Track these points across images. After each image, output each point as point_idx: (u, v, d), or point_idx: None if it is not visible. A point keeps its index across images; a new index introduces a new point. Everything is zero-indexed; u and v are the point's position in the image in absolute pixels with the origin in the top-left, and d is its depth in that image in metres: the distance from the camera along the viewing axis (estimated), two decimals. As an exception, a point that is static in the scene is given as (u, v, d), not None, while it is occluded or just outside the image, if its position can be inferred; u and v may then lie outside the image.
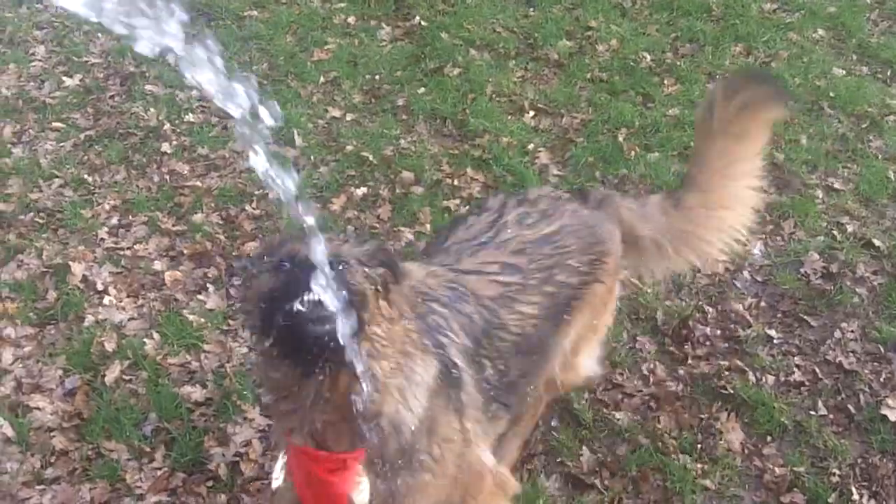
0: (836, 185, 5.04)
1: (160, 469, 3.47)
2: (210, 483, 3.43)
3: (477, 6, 6.63)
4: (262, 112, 1.78)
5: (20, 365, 3.89)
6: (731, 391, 3.80)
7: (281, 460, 2.49)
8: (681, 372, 3.93)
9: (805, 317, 4.21)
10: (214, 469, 3.46)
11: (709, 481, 3.47)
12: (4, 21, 6.33)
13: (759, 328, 4.14)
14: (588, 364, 3.26)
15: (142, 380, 3.81)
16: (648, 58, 6.12)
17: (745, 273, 4.45)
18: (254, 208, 4.77)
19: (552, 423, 3.68)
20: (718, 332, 4.13)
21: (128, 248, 4.52)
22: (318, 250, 1.99)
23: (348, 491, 2.33)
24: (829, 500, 3.40)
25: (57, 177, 4.97)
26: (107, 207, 4.77)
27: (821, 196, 4.96)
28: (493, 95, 5.74)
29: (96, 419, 3.63)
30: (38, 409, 3.69)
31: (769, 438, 3.65)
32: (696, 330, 4.11)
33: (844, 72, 6.05)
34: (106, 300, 4.19)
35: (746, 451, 3.61)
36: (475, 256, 2.81)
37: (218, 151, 5.18)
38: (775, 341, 4.09)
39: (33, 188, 4.89)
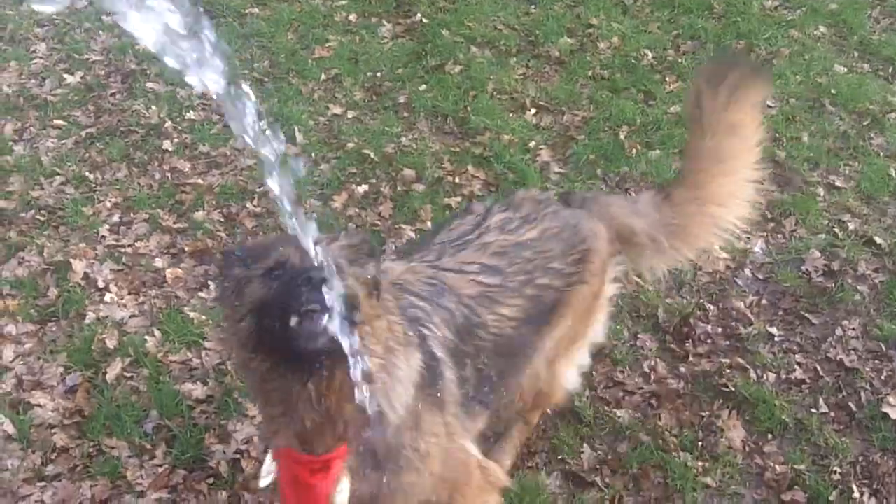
0: (838, 183, 5.03)
1: (161, 466, 3.47)
2: (211, 480, 3.43)
3: (478, 3, 6.63)
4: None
5: (21, 362, 3.90)
6: (733, 389, 3.80)
7: (269, 460, 2.49)
8: (682, 369, 3.93)
9: (806, 314, 4.21)
10: (215, 466, 3.46)
11: (710, 479, 3.47)
12: (5, 18, 6.33)
13: (761, 326, 4.14)
14: (570, 375, 3.26)
15: (143, 377, 3.82)
16: (650, 55, 6.12)
17: (747, 271, 4.45)
18: (255, 206, 4.77)
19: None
20: (719, 329, 4.13)
21: (129, 246, 4.52)
22: (313, 260, 1.99)
23: (330, 492, 2.33)
24: (830, 498, 3.41)
25: (58, 174, 4.97)
26: (108, 205, 4.77)
27: (822, 193, 4.96)
28: (495, 93, 5.74)
29: (97, 416, 3.63)
30: (39, 406, 3.69)
31: (770, 436, 3.66)
32: (698, 327, 4.11)
33: (846, 69, 6.04)
34: (107, 297, 4.20)
35: (747, 448, 3.61)
36: (455, 256, 2.83)
37: (219, 149, 5.18)
38: (776, 339, 4.09)
39: (34, 185, 4.89)
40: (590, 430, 3.66)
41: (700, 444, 3.61)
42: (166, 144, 5.20)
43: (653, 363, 3.95)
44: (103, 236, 4.57)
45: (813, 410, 3.76)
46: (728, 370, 3.90)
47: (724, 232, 3.24)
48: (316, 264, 2.00)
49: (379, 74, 5.90)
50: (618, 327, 4.08)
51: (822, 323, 4.18)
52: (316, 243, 1.98)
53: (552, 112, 5.61)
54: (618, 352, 3.97)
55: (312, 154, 5.15)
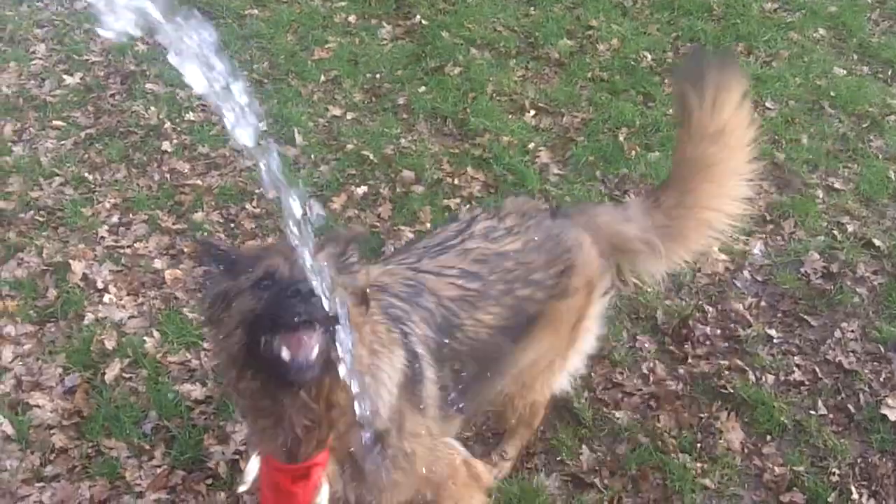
0: (837, 185, 5.04)
1: (160, 467, 3.47)
2: (209, 481, 3.43)
3: (478, 5, 6.63)
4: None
5: (20, 363, 3.90)
6: (731, 390, 3.80)
7: (252, 464, 2.49)
8: (681, 371, 3.93)
9: (805, 316, 4.21)
10: (214, 467, 3.46)
11: (708, 480, 3.47)
12: (5, 19, 6.33)
13: (760, 328, 4.14)
14: (561, 384, 3.28)
15: (142, 378, 3.82)
16: (649, 57, 6.12)
17: (746, 272, 4.45)
18: (254, 207, 4.77)
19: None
20: (718, 331, 4.13)
21: (128, 247, 4.52)
22: (302, 270, 2.00)
23: (311, 500, 2.34)
24: (829, 500, 3.40)
25: (57, 175, 4.97)
26: (107, 206, 4.77)
27: (821, 196, 4.96)
28: (494, 94, 5.74)
29: (96, 417, 3.63)
30: (37, 406, 3.69)
31: (769, 438, 3.65)
32: (696, 329, 4.11)
33: (845, 71, 6.05)
34: (106, 298, 4.20)
35: (746, 450, 3.61)
36: (435, 259, 2.83)
37: (218, 150, 5.18)
38: (775, 341, 4.09)
39: (34, 186, 4.89)
40: (589, 431, 3.65)
41: (699, 445, 3.61)
42: (165, 145, 5.20)
43: (652, 365, 3.95)
44: (102, 237, 4.57)
45: (812, 412, 3.76)
46: (727, 372, 3.90)
47: (719, 233, 3.24)
48: (305, 274, 2.00)
49: (378, 76, 5.90)
50: (617, 329, 4.08)
51: (821, 325, 4.18)
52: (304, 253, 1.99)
53: (551, 114, 5.62)
54: (617, 353, 3.97)
55: (312, 155, 5.15)
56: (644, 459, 3.54)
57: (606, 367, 3.93)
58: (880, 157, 5.28)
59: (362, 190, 4.90)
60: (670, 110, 5.56)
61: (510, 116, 5.56)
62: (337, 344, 2.10)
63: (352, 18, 6.49)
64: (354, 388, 2.22)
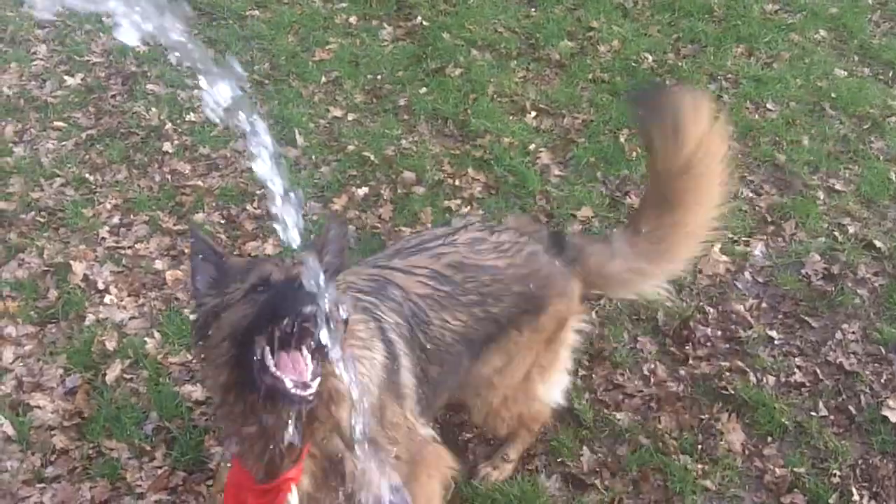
0: (838, 187, 5.03)
1: (161, 468, 3.47)
2: (210, 482, 3.42)
3: (479, 6, 6.63)
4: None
5: (21, 363, 3.90)
6: (732, 392, 3.80)
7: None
8: (682, 372, 3.93)
9: (806, 318, 4.21)
10: (215, 468, 3.45)
11: (709, 482, 3.47)
12: (6, 20, 6.33)
13: (760, 329, 4.13)
14: (545, 402, 3.29)
15: (142, 379, 3.82)
16: (650, 58, 6.12)
17: (747, 274, 4.45)
18: (255, 208, 4.77)
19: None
20: (719, 332, 4.13)
21: (129, 248, 4.52)
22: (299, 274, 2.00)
23: None
24: (830, 501, 3.40)
25: (58, 176, 4.97)
26: (108, 206, 4.77)
27: (822, 197, 4.96)
28: (495, 96, 5.74)
29: (97, 418, 3.63)
30: (38, 407, 3.69)
31: (770, 439, 3.65)
32: (697, 330, 4.11)
33: (846, 73, 6.05)
34: (107, 299, 4.20)
35: (747, 451, 3.61)
36: (407, 259, 2.85)
37: (219, 151, 5.19)
38: (776, 342, 4.09)
39: (35, 187, 4.89)
40: (589, 432, 3.65)
41: (700, 447, 3.61)
42: (166, 146, 5.20)
43: (652, 366, 3.95)
44: (103, 238, 4.57)
45: (813, 413, 3.76)
46: (728, 373, 3.90)
47: (704, 238, 3.25)
48: (302, 278, 2.00)
49: (379, 77, 5.90)
50: (617, 330, 4.08)
51: (822, 326, 4.18)
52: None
53: (552, 115, 5.62)
54: (618, 354, 3.97)
55: (313, 156, 5.15)
56: (645, 461, 3.53)
57: (607, 368, 3.93)
58: (881, 158, 5.27)
59: (363, 191, 4.90)
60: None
61: (511, 118, 5.56)
62: (332, 360, 2.10)
63: (353, 20, 6.49)
64: (346, 398, 2.23)
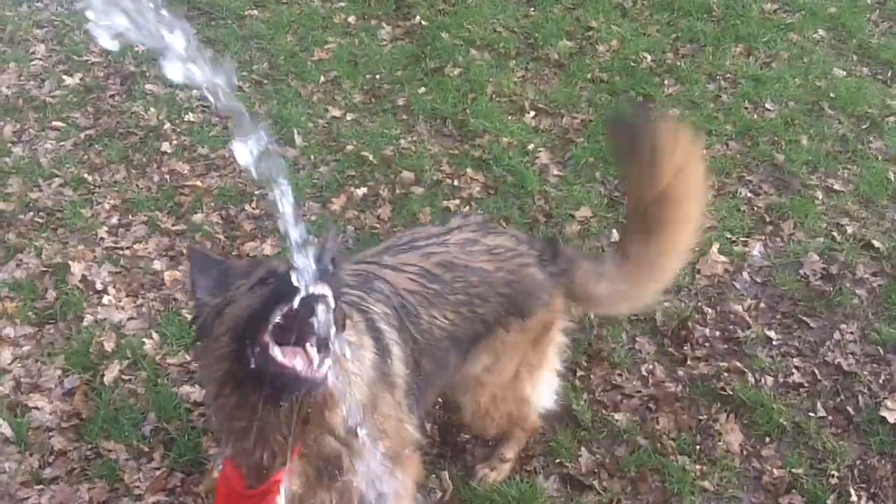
0: (836, 186, 5.03)
1: (159, 469, 3.47)
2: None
3: (477, 6, 6.63)
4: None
5: (19, 364, 3.90)
6: (730, 392, 3.80)
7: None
8: (680, 373, 3.93)
9: (804, 318, 4.21)
10: (208, 469, 3.45)
11: (707, 482, 3.47)
12: (5, 20, 6.33)
13: (759, 329, 4.13)
14: (537, 403, 3.30)
15: (141, 380, 3.82)
16: (649, 58, 6.12)
17: (745, 274, 4.45)
18: (253, 208, 4.77)
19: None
20: (717, 333, 4.13)
21: (127, 248, 4.52)
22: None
23: None
24: (828, 502, 3.40)
25: (57, 176, 4.97)
26: (107, 207, 4.78)
27: (821, 197, 4.96)
28: (494, 95, 5.74)
29: (95, 419, 3.63)
30: (36, 408, 3.69)
31: (768, 440, 3.65)
32: (696, 331, 4.11)
33: (845, 72, 6.04)
34: (105, 300, 4.20)
35: (745, 452, 3.61)
36: (396, 256, 2.86)
37: (218, 151, 5.18)
38: (774, 342, 4.09)
39: (33, 187, 4.89)
40: (587, 433, 3.65)
41: (698, 447, 3.61)
42: (165, 146, 5.20)
43: (651, 366, 3.95)
44: (102, 238, 4.57)
45: (811, 414, 3.76)
46: (726, 374, 3.90)
47: (687, 254, 3.27)
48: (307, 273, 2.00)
49: (378, 77, 5.90)
50: (616, 330, 4.08)
51: (821, 327, 4.18)
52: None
53: (551, 115, 5.62)
54: (616, 355, 3.97)
55: (311, 156, 5.15)
56: (643, 461, 3.54)
57: (605, 368, 3.93)
58: (880, 158, 5.27)
59: (362, 191, 4.90)
60: (670, 111, 5.56)
61: (510, 117, 5.56)
62: (333, 356, 2.10)
63: (351, 19, 6.48)
64: (339, 401, 2.23)
